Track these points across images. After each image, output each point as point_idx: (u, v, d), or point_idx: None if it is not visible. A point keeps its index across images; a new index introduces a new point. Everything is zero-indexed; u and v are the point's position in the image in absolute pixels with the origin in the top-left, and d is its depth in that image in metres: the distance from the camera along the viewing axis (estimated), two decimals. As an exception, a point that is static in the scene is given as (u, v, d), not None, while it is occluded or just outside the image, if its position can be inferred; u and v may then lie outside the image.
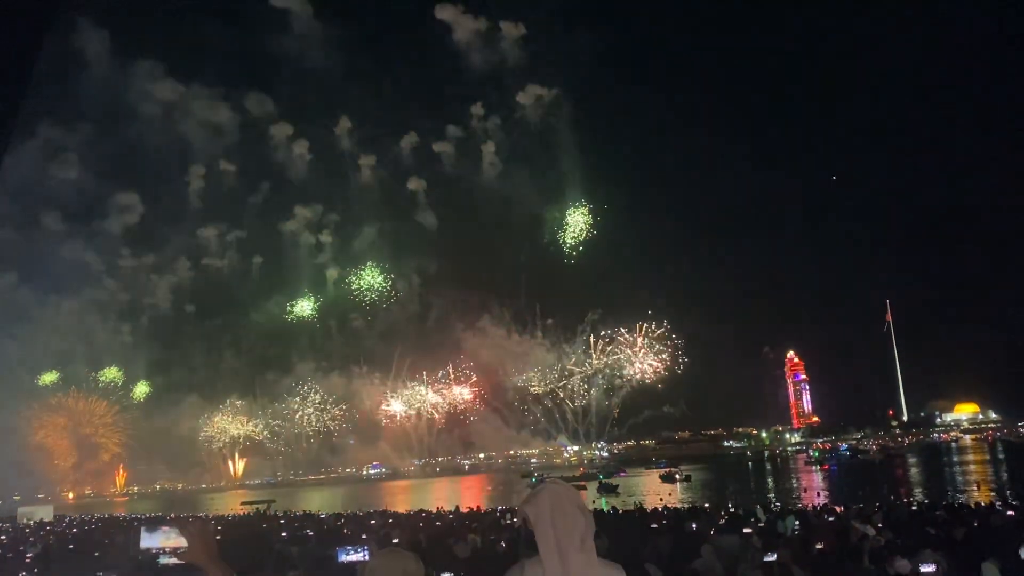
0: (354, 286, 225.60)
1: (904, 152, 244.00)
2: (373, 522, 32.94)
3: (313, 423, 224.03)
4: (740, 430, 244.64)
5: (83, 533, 40.30)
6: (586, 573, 3.87)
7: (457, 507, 46.66)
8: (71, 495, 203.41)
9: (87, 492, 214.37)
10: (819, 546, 14.01)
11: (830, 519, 22.75)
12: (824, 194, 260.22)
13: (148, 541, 4.25)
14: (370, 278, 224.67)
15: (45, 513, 70.37)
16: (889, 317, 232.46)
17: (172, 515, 60.69)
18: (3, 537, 40.38)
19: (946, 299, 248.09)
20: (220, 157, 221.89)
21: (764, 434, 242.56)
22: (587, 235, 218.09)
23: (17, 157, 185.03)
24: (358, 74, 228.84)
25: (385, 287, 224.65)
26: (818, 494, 68.97)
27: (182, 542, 3.99)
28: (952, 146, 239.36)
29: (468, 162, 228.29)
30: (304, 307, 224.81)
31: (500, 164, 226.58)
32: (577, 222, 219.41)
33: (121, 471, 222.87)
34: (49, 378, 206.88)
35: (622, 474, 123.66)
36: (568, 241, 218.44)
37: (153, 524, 4.35)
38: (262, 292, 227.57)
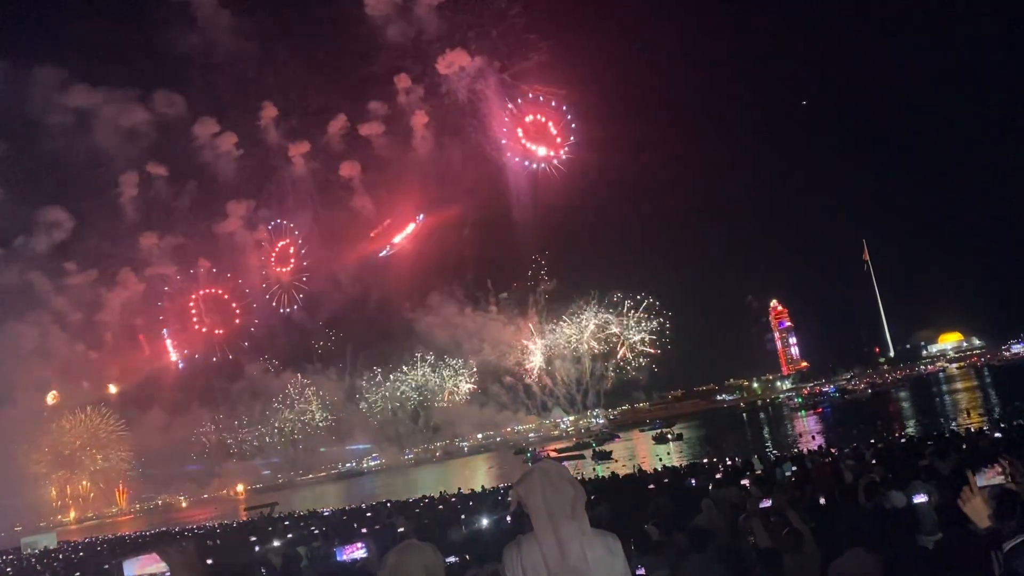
0: None
1: (871, 80, 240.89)
2: (371, 515, 33.04)
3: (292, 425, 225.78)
4: (731, 382, 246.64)
5: (90, 557, 40.18)
6: (579, 540, 4.00)
7: (459, 490, 47.01)
8: (72, 519, 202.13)
9: (89, 515, 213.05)
10: (814, 489, 14.25)
11: (826, 461, 23.10)
12: (789, 133, 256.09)
13: (130, 570, 4.20)
14: None
15: (48, 541, 69.72)
16: (866, 256, 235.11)
17: (151, 533, 60.75)
18: (9, 569, 40.26)
19: (921, 232, 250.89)
20: (145, 161, 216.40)
21: (756, 384, 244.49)
22: None
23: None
24: (274, 60, 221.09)
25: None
26: (813, 438, 70.10)
27: (164, 568, 3.96)
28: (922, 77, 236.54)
29: (399, 139, 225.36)
30: None
31: (432, 137, 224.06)
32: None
33: (122, 488, 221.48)
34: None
35: (616, 440, 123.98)
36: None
37: (134, 553, 4.30)
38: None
